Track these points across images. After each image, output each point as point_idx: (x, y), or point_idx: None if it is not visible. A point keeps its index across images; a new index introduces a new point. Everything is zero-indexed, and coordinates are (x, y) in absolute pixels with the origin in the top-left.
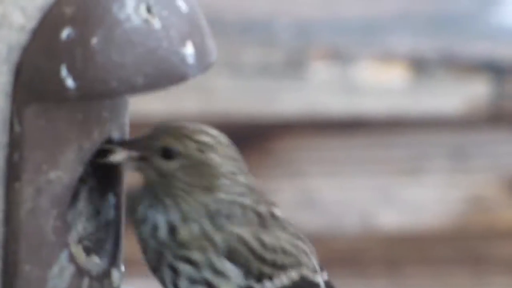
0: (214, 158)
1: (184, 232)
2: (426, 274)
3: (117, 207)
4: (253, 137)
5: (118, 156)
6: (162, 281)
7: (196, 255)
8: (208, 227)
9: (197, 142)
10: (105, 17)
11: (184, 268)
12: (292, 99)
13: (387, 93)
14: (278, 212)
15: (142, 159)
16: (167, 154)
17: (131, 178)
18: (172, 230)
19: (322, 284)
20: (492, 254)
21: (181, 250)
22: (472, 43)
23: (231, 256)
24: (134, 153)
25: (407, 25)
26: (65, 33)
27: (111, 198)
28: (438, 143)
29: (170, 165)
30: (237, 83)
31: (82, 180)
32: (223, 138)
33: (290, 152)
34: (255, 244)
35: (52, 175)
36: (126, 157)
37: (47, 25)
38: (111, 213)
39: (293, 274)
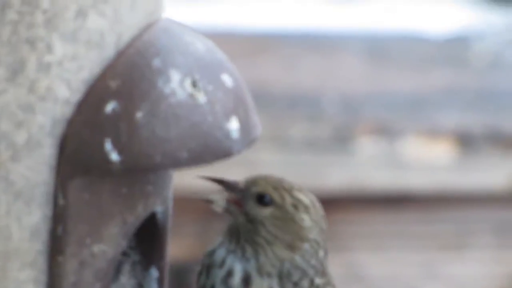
0: (306, 219)
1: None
2: None
3: (160, 281)
4: None
5: (218, 200)
6: None
7: None
8: None
9: (294, 197)
10: (150, 91)
11: None
12: (339, 174)
13: (433, 168)
14: None
15: (235, 202)
16: (262, 200)
17: (174, 251)
18: (247, 280)
19: None
20: None
21: None
22: None
23: None
24: (231, 196)
25: (454, 101)
26: (110, 106)
27: (154, 272)
28: (484, 218)
29: (262, 212)
30: (284, 157)
31: (125, 254)
32: (319, 206)
33: (337, 227)
34: None
35: (96, 248)
36: (223, 199)
37: (91, 99)
38: (154, 287)
39: None
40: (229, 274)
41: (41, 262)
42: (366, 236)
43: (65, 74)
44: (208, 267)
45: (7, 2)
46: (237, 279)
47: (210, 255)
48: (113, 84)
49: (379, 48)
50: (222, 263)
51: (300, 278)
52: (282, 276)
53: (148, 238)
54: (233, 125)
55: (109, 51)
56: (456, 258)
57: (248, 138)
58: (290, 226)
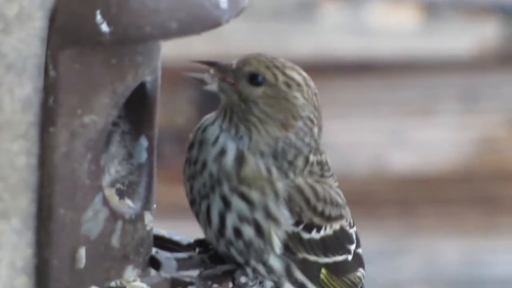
0: (299, 97)
1: (249, 167)
2: (436, 214)
3: (149, 151)
4: None
5: (211, 79)
6: (204, 209)
7: (254, 195)
8: (273, 169)
9: (287, 76)
10: None
11: (238, 204)
12: (304, 41)
13: (398, 35)
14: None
15: (228, 81)
16: (254, 80)
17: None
18: (240, 159)
19: (354, 236)
20: (501, 195)
21: (240, 186)
22: None
23: (289, 204)
24: (224, 76)
25: None
26: None
27: (144, 142)
28: (449, 84)
29: (254, 91)
30: (249, 26)
31: (114, 124)
32: (312, 83)
33: None
34: (310, 194)
35: (87, 119)
36: (215, 79)
37: None
38: (143, 157)
39: (335, 225)
40: (222, 152)
41: (33, 134)
42: (332, 104)
43: None
44: (200, 143)
45: None
46: (230, 158)
47: (202, 131)
48: None
49: None
50: (215, 141)
51: (295, 157)
52: (276, 155)
53: (137, 108)
54: None
55: None
56: (422, 124)
57: (236, 8)
58: (283, 104)
